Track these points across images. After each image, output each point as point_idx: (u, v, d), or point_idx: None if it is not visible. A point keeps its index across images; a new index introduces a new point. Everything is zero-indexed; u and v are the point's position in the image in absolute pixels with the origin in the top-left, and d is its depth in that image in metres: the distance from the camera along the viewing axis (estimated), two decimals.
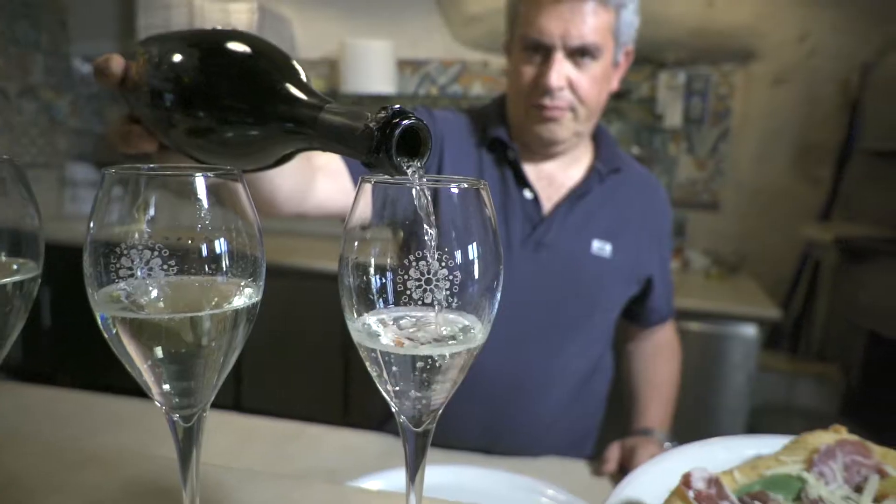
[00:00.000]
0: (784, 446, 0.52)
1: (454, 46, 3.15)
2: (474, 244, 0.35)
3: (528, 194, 1.12)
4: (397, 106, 0.37)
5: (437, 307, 0.34)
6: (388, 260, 0.35)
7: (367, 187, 0.36)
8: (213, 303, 0.37)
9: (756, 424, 2.44)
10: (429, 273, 0.34)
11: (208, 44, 0.47)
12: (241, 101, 0.44)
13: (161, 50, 0.49)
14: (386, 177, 0.37)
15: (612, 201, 1.17)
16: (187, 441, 0.39)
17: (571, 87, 1.04)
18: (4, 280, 0.42)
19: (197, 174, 0.36)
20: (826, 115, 2.77)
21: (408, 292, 0.34)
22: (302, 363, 2.79)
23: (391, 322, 0.37)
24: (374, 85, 3.05)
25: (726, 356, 2.35)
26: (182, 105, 0.46)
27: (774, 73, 2.83)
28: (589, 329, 1.17)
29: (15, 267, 0.43)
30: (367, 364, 0.38)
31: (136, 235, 0.35)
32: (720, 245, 2.89)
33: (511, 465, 0.99)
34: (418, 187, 0.35)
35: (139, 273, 0.35)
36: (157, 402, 0.38)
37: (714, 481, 0.44)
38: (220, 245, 0.36)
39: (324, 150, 0.42)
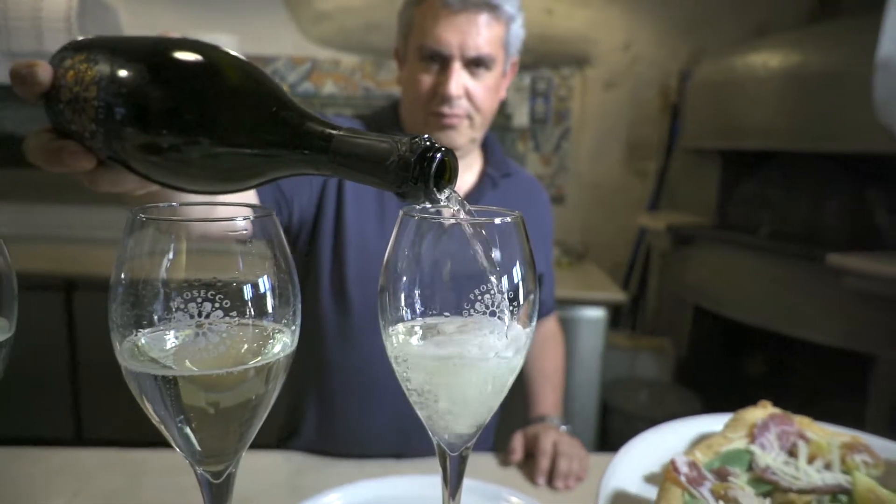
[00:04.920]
0: (726, 424, 0.59)
1: (304, 43, 3.07)
2: (518, 269, 0.37)
3: None
4: (426, 136, 0.37)
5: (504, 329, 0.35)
6: (442, 291, 0.35)
7: (411, 221, 0.36)
8: (255, 353, 0.34)
9: (608, 397, 2.68)
10: (493, 304, 0.34)
11: (184, 55, 0.41)
12: (244, 125, 0.40)
13: (117, 60, 0.42)
14: (427, 210, 0.37)
15: (503, 204, 1.21)
16: (218, 497, 0.36)
17: (468, 95, 1.08)
18: None
19: (238, 217, 0.33)
20: (650, 117, 3.11)
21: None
22: None
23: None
24: None
25: (578, 338, 2.55)
26: (151, 125, 0.41)
27: (605, 77, 3.11)
28: None
29: None
30: (417, 391, 0.37)
31: (170, 282, 0.31)
32: (567, 236, 3.12)
33: (425, 466, 1.00)
34: (467, 224, 0.35)
35: (174, 323, 0.31)
36: (184, 457, 0.35)
37: (692, 464, 0.49)
38: (262, 286, 0.34)
39: (334, 175, 0.40)
